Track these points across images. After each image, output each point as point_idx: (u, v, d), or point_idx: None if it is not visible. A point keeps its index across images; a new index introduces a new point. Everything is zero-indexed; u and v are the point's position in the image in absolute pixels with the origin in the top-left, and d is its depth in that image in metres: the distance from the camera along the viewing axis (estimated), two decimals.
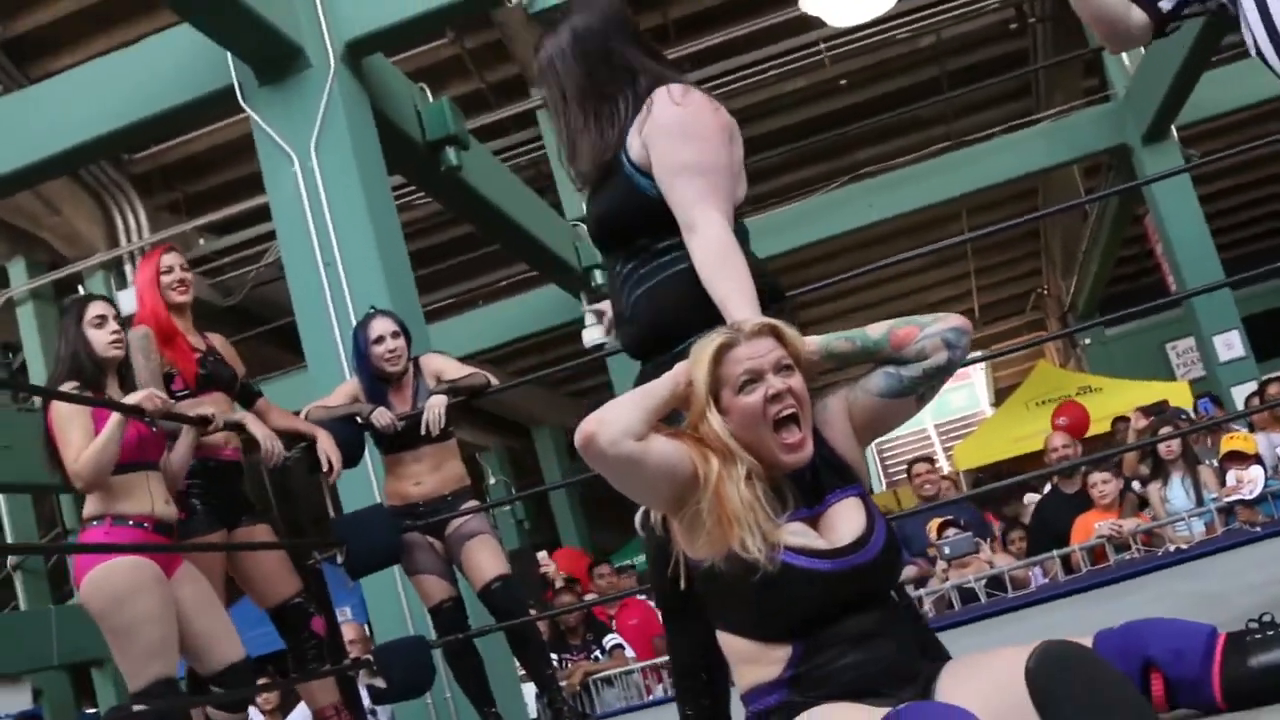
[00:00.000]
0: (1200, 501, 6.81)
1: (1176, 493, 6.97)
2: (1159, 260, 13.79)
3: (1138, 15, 2.79)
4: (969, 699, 2.07)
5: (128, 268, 12.64)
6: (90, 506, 4.06)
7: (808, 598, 2.29)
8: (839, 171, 14.55)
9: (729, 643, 2.41)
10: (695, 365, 2.41)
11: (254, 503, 4.95)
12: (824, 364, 2.52)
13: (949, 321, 2.48)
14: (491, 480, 19.81)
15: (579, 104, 2.81)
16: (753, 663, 2.36)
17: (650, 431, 2.31)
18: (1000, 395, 21.83)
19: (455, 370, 5.28)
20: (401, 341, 5.27)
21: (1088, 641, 2.21)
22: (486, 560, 5.16)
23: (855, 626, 2.31)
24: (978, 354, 21.71)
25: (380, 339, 5.23)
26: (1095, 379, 15.59)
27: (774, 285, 2.75)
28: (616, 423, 2.28)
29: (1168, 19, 2.80)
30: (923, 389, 2.50)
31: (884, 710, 2.06)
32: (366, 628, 6.99)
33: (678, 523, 2.41)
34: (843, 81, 14.47)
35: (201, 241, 13.96)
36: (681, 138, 2.66)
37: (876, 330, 2.50)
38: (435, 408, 5.05)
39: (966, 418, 23.60)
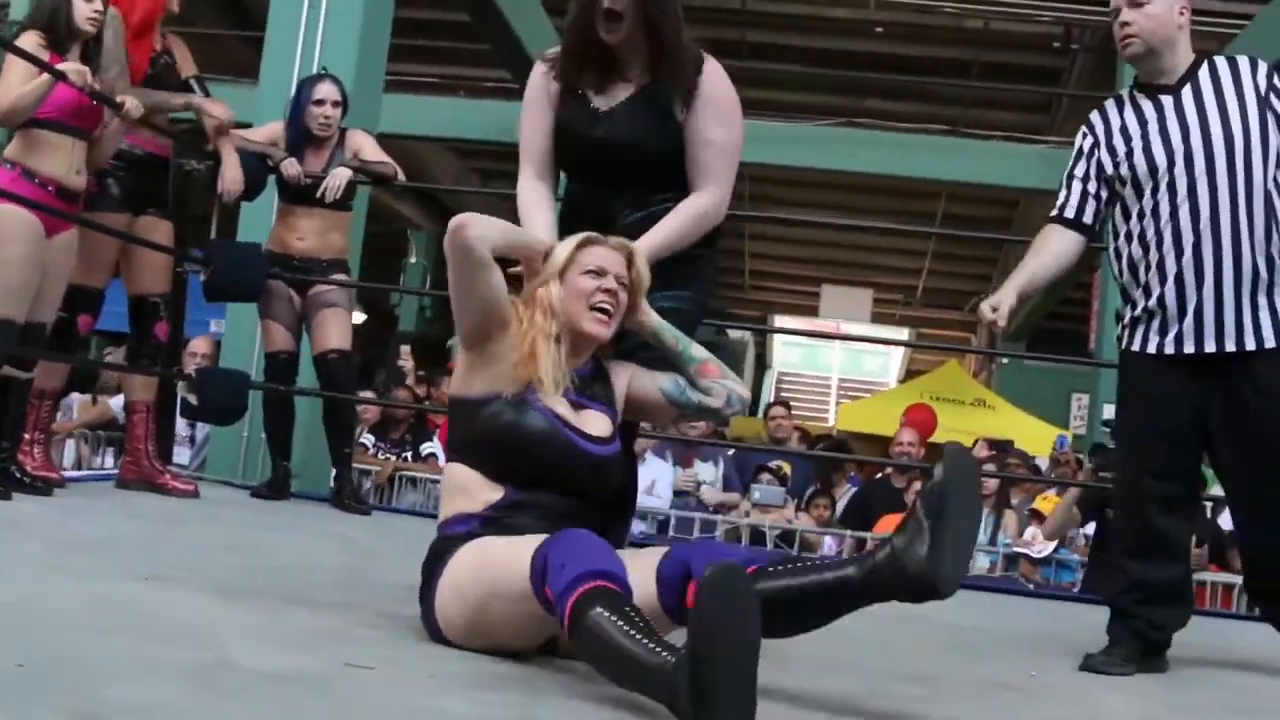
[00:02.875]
0: (993, 541, 7.22)
1: None
2: (1091, 315, 14.13)
3: (1073, 240, 3.53)
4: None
5: None
6: (10, 150, 4.32)
7: (540, 453, 2.66)
8: (842, 110, 14.67)
9: (454, 472, 2.75)
10: (562, 244, 2.85)
11: (166, 200, 5.17)
12: (647, 337, 2.96)
13: (741, 389, 2.98)
14: (412, 259, 20.02)
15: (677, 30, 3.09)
16: (463, 494, 2.70)
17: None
18: (909, 375, 22.28)
19: (373, 153, 5.52)
20: (339, 112, 5.49)
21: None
22: (334, 331, 5.45)
23: (559, 506, 2.66)
24: (904, 334, 22.14)
25: (320, 102, 5.45)
26: (992, 397, 16.01)
27: None
28: (488, 229, 2.68)
29: (1093, 231, 3.52)
30: (689, 410, 2.99)
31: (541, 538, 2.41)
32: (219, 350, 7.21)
33: (469, 354, 2.77)
34: (879, 29, 14.55)
35: None
36: (721, 118, 3.11)
37: (698, 351, 2.97)
38: (339, 178, 5.32)
39: (871, 384, 23.99)
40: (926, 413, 10.29)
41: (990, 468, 7.89)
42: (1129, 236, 3.43)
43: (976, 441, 9.44)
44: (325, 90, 5.46)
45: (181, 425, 7.09)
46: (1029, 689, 2.89)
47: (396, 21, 7.52)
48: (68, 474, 5.39)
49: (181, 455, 7.19)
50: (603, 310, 2.78)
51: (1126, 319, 3.49)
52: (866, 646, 3.03)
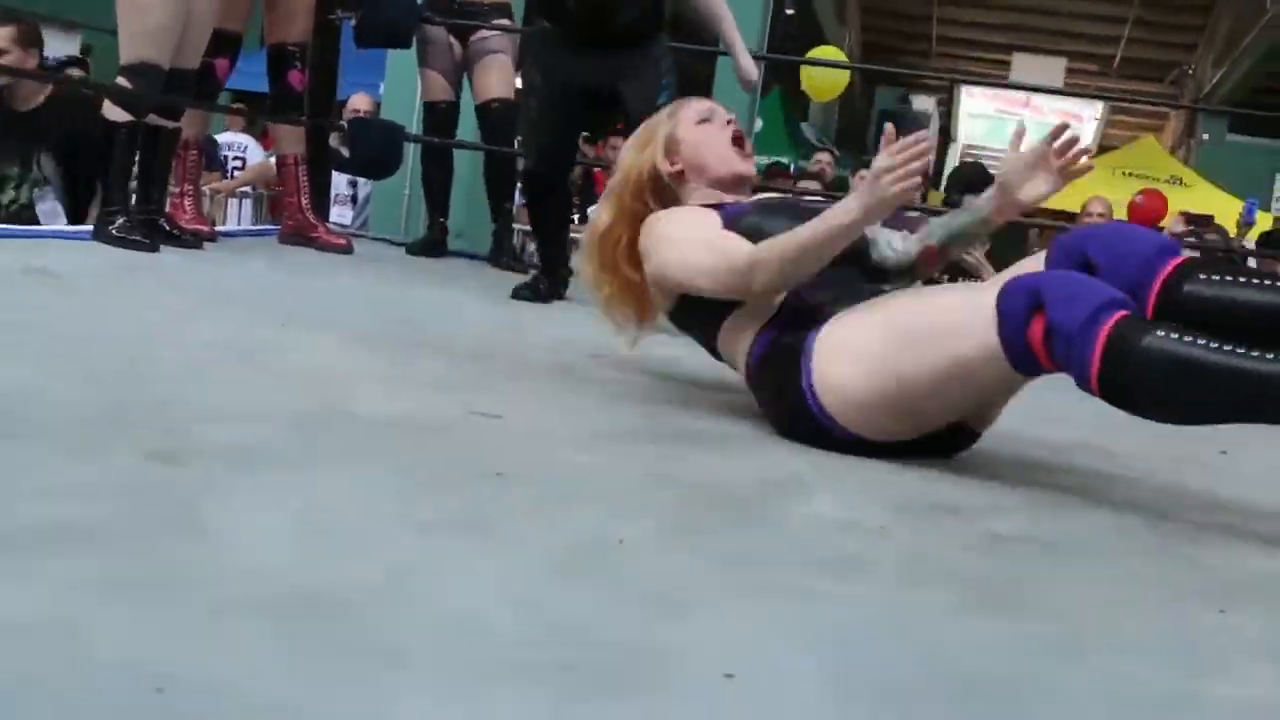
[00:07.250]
0: None
1: None
2: None
3: None
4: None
5: None
6: None
7: None
8: None
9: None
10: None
11: None
12: None
13: None
14: None
15: None
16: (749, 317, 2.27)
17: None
18: (1101, 150, 21.29)
19: None
20: None
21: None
22: (496, 79, 5.18)
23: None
24: (1098, 108, 21.04)
25: None
26: (1187, 173, 15.20)
27: None
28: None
29: None
30: None
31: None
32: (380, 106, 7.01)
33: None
34: None
35: None
36: None
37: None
38: None
39: None
40: (1158, 200, 9.61)
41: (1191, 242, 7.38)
42: None
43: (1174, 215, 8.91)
44: None
45: (343, 184, 6.96)
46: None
47: None
48: (226, 229, 5.30)
49: (345, 215, 7.09)
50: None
51: None
52: None
